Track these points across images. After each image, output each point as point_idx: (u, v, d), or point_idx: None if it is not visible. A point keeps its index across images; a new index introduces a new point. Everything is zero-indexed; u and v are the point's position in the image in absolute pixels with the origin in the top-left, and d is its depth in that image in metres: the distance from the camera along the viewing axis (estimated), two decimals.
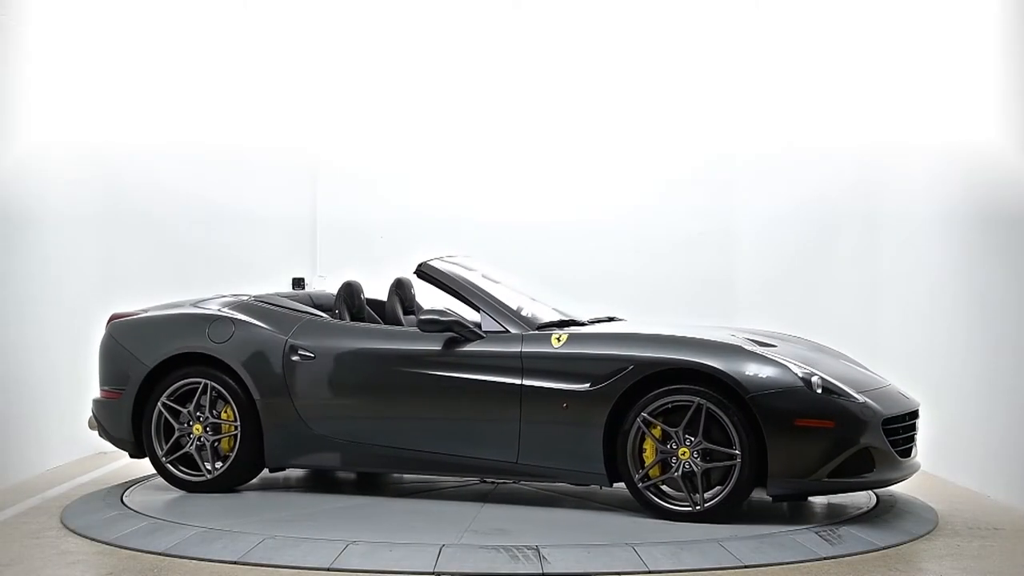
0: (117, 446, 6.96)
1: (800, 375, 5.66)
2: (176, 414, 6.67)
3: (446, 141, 9.56)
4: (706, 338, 5.97)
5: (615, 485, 5.98)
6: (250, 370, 6.56)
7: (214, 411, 6.65)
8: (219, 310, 6.81)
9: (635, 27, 9.57)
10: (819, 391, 5.63)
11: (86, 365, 8.47)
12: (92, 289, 8.72)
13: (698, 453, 5.69)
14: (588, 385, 5.89)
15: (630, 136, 9.57)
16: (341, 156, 9.48)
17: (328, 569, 4.96)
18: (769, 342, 6.22)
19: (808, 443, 5.57)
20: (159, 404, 6.68)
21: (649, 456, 5.80)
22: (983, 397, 6.92)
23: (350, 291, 6.94)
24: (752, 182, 9.47)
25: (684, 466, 5.71)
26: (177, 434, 6.66)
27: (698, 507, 5.69)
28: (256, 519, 5.84)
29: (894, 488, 6.47)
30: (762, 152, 9.42)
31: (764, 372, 5.66)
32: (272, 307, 6.82)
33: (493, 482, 6.69)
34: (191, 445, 6.65)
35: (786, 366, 5.71)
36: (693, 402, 5.69)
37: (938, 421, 7.24)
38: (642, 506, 5.82)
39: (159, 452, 6.69)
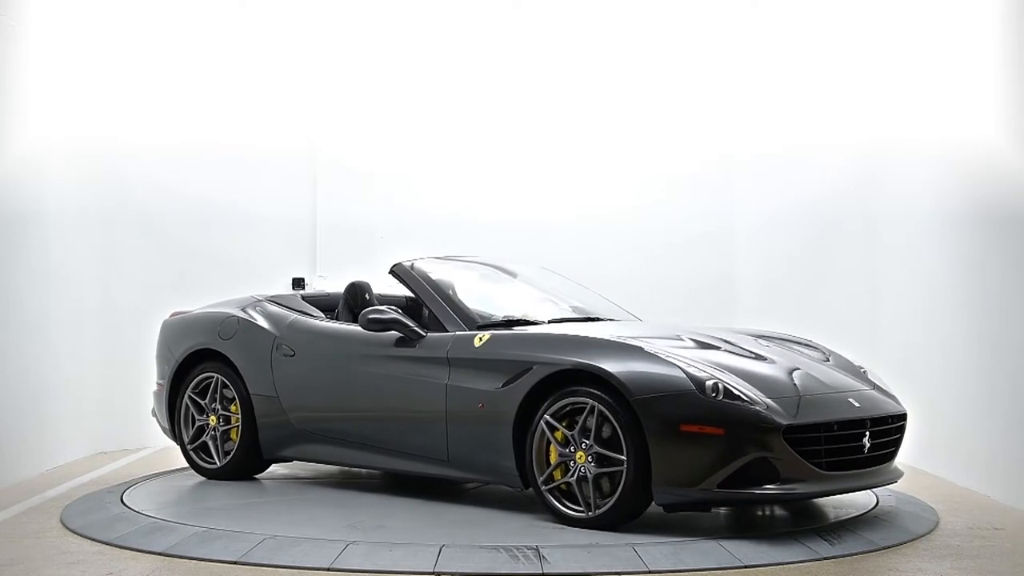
0: (165, 434, 7.47)
1: (694, 379, 5.32)
2: (199, 406, 7.17)
3: (446, 141, 9.58)
4: (609, 339, 5.73)
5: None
6: (247, 366, 6.92)
7: (227, 404, 7.01)
8: (231, 309, 7.17)
9: (634, 27, 9.58)
10: (715, 396, 5.27)
11: (87, 365, 8.49)
12: (92, 289, 8.72)
13: (592, 457, 5.50)
14: (500, 386, 5.84)
15: (630, 136, 9.59)
16: (341, 156, 9.50)
17: (328, 569, 4.95)
18: (713, 343, 5.97)
19: (694, 450, 5.24)
20: (186, 396, 7.20)
21: (554, 459, 5.65)
22: (983, 397, 6.91)
23: (353, 291, 7.09)
24: (752, 182, 9.48)
25: (580, 470, 5.56)
26: (198, 424, 7.15)
27: (590, 513, 5.49)
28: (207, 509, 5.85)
29: (894, 488, 6.46)
30: (762, 152, 9.43)
31: (654, 375, 5.37)
32: (274, 306, 7.09)
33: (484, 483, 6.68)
34: (207, 435, 7.10)
35: (680, 368, 5.37)
36: (587, 404, 5.53)
37: (938, 421, 7.24)
38: (546, 509, 5.70)
39: (185, 440, 7.19)
